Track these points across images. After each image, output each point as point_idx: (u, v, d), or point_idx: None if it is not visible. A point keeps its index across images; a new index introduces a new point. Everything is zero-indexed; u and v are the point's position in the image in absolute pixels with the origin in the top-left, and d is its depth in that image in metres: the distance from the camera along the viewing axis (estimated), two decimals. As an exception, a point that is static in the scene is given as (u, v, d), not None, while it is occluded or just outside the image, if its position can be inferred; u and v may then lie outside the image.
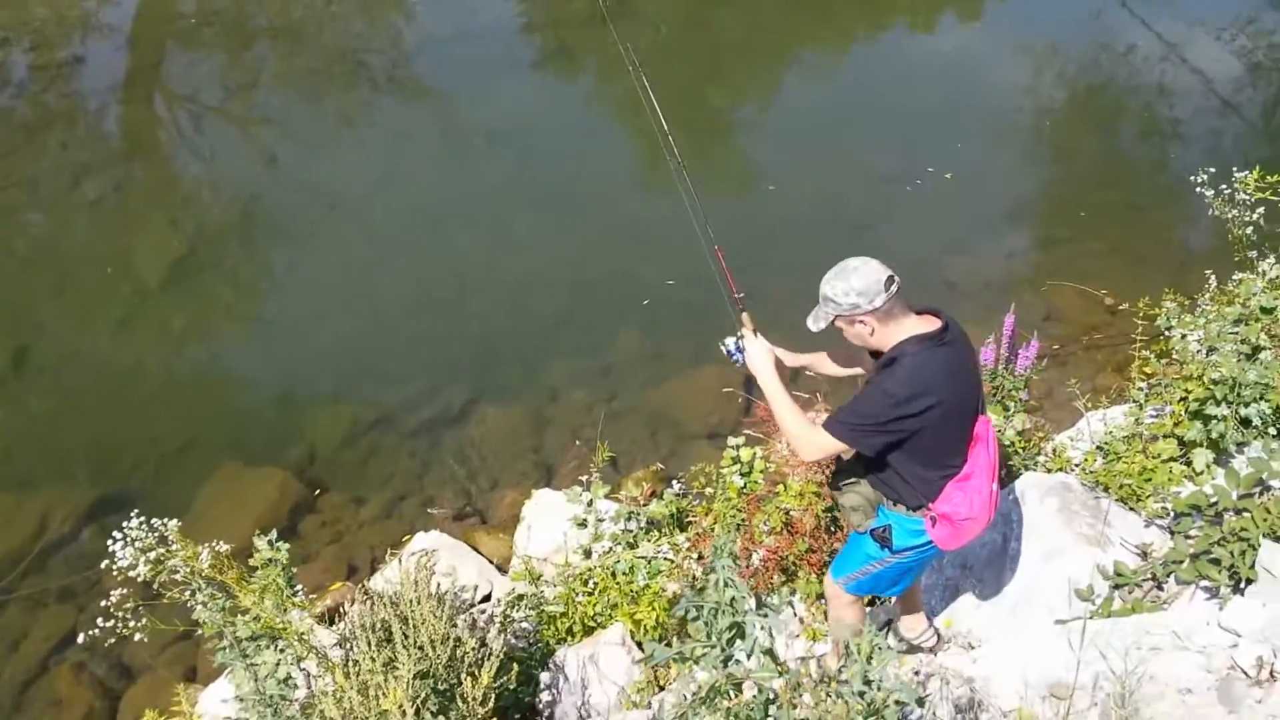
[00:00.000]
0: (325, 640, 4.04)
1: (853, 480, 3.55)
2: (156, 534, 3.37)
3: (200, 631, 3.84)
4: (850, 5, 13.25)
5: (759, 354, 3.51)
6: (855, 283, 3.17)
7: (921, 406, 3.15)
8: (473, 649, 3.83)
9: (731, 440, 4.70)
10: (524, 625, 4.71)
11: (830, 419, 3.29)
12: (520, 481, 6.56)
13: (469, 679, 3.65)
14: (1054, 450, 4.67)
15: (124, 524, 3.42)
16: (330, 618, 5.12)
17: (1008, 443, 4.52)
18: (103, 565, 3.37)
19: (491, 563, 5.91)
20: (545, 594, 4.80)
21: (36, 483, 6.49)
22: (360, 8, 13.11)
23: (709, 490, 4.94)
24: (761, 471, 4.65)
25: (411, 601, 3.91)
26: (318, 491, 6.58)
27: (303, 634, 3.72)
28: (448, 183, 9.25)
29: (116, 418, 7.08)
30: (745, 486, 4.67)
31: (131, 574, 3.32)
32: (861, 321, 3.22)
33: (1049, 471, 4.49)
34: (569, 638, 4.57)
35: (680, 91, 11.30)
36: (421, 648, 3.73)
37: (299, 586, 4.24)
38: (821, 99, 10.91)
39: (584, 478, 5.51)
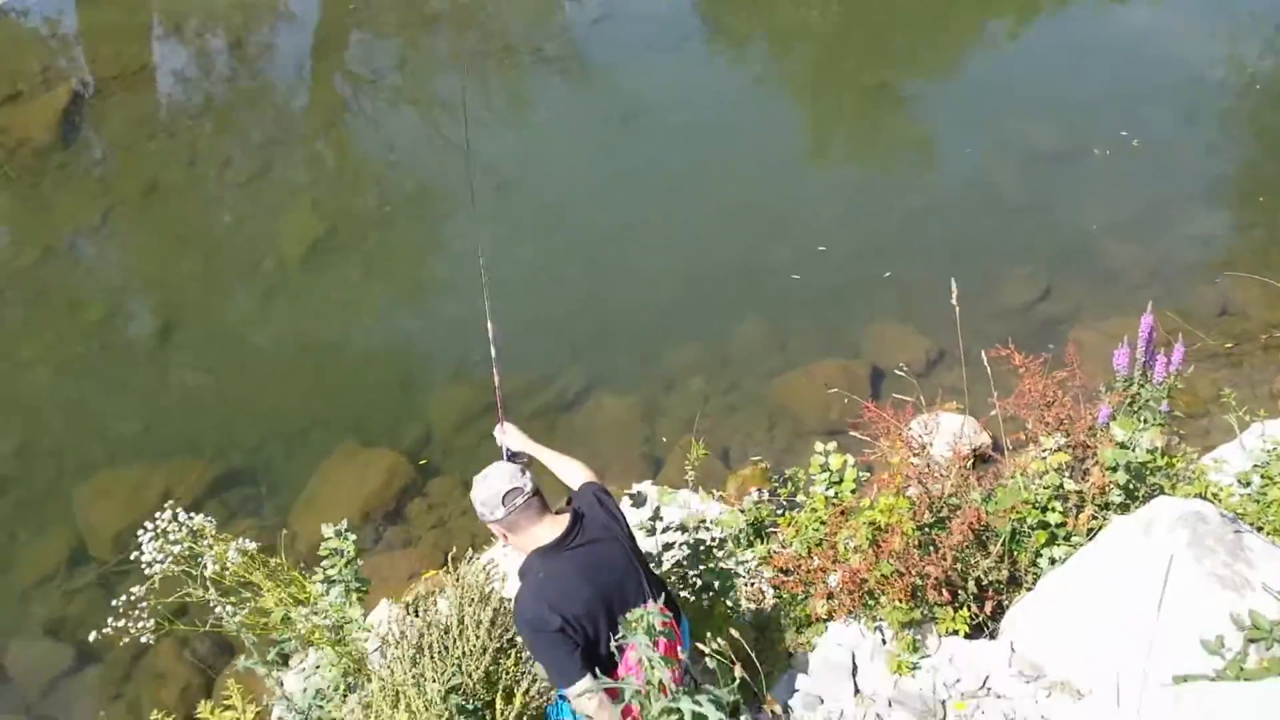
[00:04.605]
0: (376, 643, 3.92)
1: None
2: (185, 529, 3.28)
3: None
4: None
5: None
6: (478, 493, 3.20)
7: (556, 624, 3.04)
8: (512, 665, 3.62)
9: (819, 445, 4.27)
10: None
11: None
12: (627, 473, 6.32)
13: (502, 698, 3.45)
14: (1196, 472, 4.04)
15: (156, 515, 3.36)
16: (416, 608, 5.04)
17: (1140, 462, 3.91)
18: (133, 557, 3.31)
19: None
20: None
21: (165, 454, 6.72)
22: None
23: (800, 498, 4.54)
24: (854, 480, 4.22)
25: (460, 606, 3.74)
26: (423, 462, 6.57)
27: (339, 641, 3.59)
28: (585, 167, 9.05)
29: (248, 394, 7.26)
30: (836, 495, 4.25)
31: (150, 571, 3.25)
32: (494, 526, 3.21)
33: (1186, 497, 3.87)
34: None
35: (848, 65, 10.75)
36: (459, 660, 3.54)
37: (356, 584, 4.13)
38: (998, 73, 10.15)
39: (687, 476, 5.24)
